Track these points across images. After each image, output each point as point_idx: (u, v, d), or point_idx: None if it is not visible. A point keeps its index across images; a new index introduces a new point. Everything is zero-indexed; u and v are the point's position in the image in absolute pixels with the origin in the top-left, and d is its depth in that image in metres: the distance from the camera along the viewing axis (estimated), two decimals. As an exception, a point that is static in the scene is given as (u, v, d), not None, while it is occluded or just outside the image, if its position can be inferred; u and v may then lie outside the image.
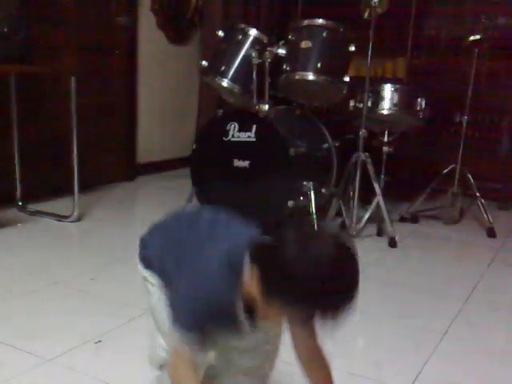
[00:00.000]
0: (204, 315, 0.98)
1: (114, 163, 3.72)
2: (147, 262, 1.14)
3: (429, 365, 1.60)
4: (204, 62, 2.95)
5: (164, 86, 4.06)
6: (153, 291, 1.14)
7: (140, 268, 1.16)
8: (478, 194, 3.03)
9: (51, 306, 1.86)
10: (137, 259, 1.17)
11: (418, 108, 2.89)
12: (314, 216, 2.69)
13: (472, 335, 1.83)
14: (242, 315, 0.99)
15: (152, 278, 1.13)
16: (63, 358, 1.52)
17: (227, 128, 2.76)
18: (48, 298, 1.91)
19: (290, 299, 0.91)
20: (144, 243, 1.17)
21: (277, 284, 0.91)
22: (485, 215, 3.00)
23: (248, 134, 2.71)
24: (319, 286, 0.89)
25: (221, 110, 2.83)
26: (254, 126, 2.70)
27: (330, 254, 0.90)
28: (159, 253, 1.13)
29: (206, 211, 1.17)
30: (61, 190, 2.96)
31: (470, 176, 3.06)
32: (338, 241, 0.94)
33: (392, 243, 2.70)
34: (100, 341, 1.62)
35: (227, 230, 1.08)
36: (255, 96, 2.83)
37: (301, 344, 1.11)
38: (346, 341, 1.59)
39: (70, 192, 2.78)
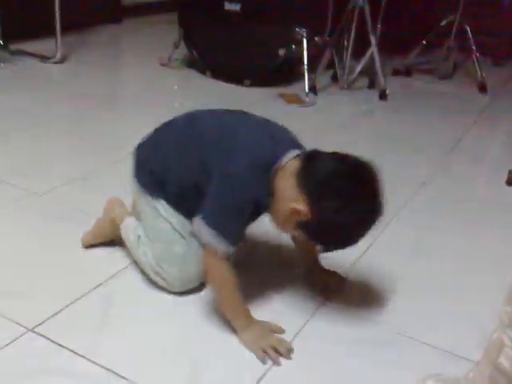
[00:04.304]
0: (241, 220, 1.04)
1: (98, 3, 3.52)
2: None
3: (405, 210, 1.66)
4: None
5: None
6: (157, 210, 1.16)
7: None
8: (474, 48, 2.94)
9: (36, 146, 1.86)
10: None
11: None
12: (306, 66, 2.62)
13: (451, 184, 1.88)
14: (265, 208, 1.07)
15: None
16: (51, 192, 1.55)
17: (218, -35, 2.59)
18: (33, 138, 1.91)
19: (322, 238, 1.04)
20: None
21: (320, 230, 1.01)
22: (478, 70, 2.94)
23: (240, -28, 2.54)
24: (354, 235, 1.04)
25: None
26: (247, -36, 2.52)
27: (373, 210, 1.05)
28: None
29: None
30: (43, 30, 2.82)
31: (468, 29, 2.96)
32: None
33: (382, 96, 2.67)
34: (86, 178, 1.65)
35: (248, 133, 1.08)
36: None
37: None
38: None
39: (53, 32, 2.66)
